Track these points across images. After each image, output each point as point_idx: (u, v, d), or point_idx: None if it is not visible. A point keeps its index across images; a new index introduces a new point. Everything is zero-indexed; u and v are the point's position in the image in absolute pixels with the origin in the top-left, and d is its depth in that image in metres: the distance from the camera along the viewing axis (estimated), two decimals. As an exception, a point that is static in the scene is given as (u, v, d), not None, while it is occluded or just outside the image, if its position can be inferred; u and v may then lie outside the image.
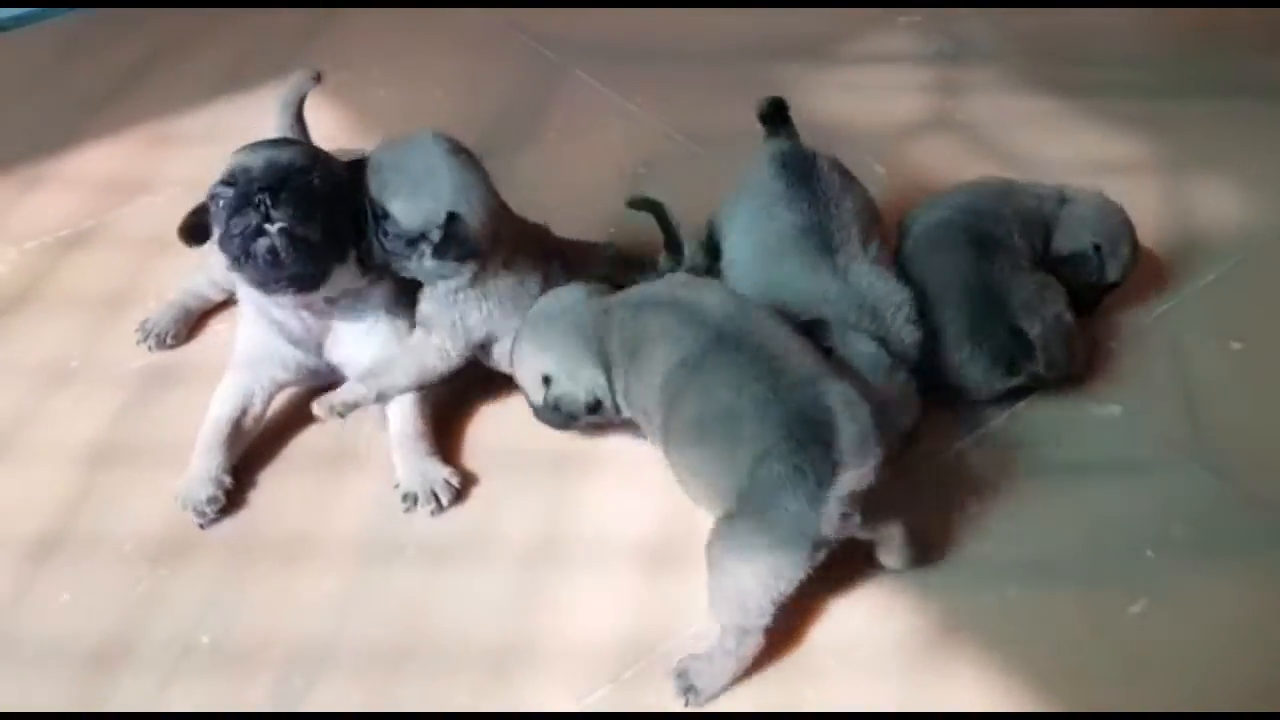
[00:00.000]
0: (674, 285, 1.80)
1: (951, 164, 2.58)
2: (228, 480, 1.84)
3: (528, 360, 1.82)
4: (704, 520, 1.78)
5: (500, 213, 1.87)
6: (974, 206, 2.08)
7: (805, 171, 2.00)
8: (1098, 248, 2.08)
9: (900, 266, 2.03)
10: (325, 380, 1.97)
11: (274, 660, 1.64)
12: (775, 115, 2.12)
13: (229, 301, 2.17)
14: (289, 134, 2.14)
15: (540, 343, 1.80)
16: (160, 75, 2.89)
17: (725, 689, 1.58)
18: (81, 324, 2.19)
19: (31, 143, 2.65)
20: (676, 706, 1.58)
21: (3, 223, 2.44)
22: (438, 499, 1.82)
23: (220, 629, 1.68)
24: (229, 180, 1.77)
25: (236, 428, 1.89)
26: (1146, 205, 2.44)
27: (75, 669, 1.63)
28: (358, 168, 1.85)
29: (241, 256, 1.76)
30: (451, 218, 1.79)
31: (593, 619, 1.69)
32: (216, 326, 2.17)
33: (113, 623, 1.69)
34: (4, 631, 1.68)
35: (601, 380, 1.77)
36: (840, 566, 1.74)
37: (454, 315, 1.87)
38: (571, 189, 2.12)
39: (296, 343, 1.91)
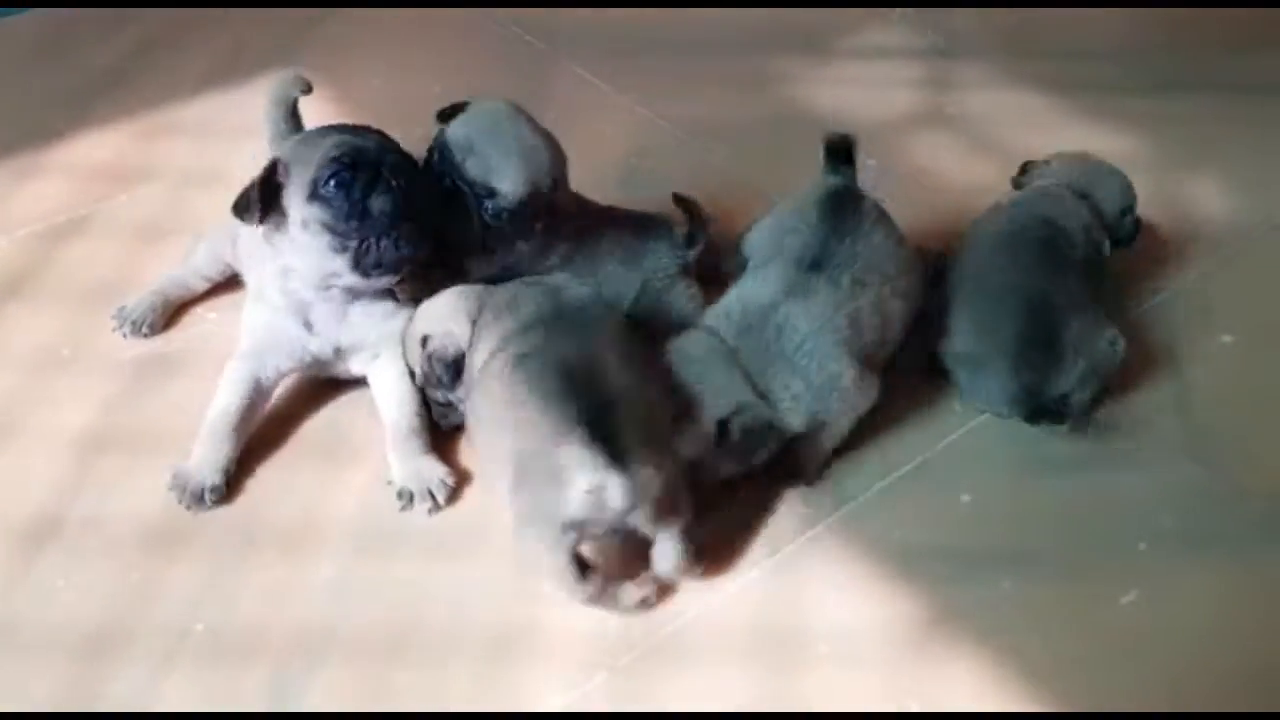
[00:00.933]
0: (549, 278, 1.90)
1: (943, 158, 2.60)
2: (232, 470, 1.84)
3: (414, 330, 1.89)
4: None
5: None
6: (1044, 216, 2.06)
7: (846, 209, 1.94)
8: (1125, 211, 2.17)
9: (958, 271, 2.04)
10: (327, 371, 1.97)
11: (271, 648, 1.63)
12: (841, 153, 2.06)
13: (212, 291, 2.18)
14: (281, 130, 2.13)
15: (426, 311, 1.89)
16: (155, 65, 2.87)
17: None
18: (74, 313, 2.17)
19: (24, 131, 2.63)
20: (676, 692, 1.59)
21: (-5, 211, 2.43)
22: (434, 497, 1.82)
23: (217, 616, 1.68)
24: (348, 160, 1.79)
25: (245, 416, 1.88)
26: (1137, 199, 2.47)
27: (70, 655, 1.63)
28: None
29: (383, 234, 1.79)
30: (554, 185, 1.91)
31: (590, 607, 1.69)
32: (208, 315, 2.17)
33: (108, 609, 1.68)
34: (-1, 618, 1.68)
35: (467, 339, 1.83)
36: (830, 555, 1.76)
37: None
38: (565, 179, 2.14)
39: (311, 327, 1.91)
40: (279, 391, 1.98)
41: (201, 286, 2.17)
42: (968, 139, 2.67)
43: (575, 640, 1.65)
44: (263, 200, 1.82)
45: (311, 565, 1.74)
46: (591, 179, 2.22)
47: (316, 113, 2.25)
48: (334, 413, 1.99)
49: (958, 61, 2.96)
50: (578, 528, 1.57)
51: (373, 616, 1.68)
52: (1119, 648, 1.64)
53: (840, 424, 1.85)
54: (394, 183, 1.79)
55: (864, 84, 2.87)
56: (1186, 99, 2.78)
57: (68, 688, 1.59)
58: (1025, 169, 2.28)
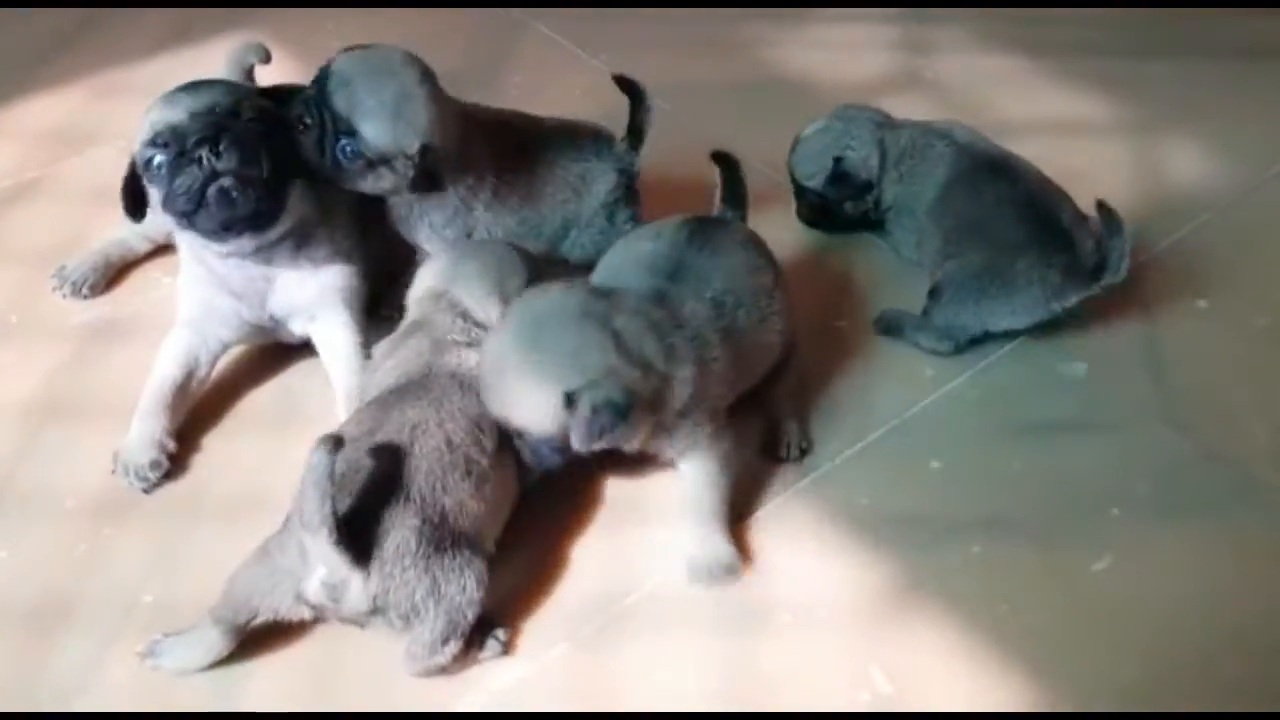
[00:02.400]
0: None
1: (919, 122, 2.54)
2: (171, 445, 1.78)
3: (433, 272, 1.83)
4: (660, 477, 1.75)
5: (469, 133, 1.87)
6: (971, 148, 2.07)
7: (706, 227, 1.77)
8: (838, 159, 2.13)
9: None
10: (269, 337, 1.92)
11: (219, 620, 1.59)
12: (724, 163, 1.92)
13: (166, 253, 2.12)
14: None
15: (452, 265, 1.80)
16: (107, 27, 2.81)
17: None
18: (21, 278, 2.11)
19: (-29, 94, 2.57)
20: (637, 663, 1.55)
21: (-58, 175, 2.36)
22: None
23: (164, 588, 1.63)
24: (158, 141, 1.71)
25: (181, 390, 1.82)
26: (1114, 164, 2.44)
27: (13, 627, 1.58)
28: (279, 94, 1.83)
29: (192, 210, 1.71)
30: (425, 150, 1.77)
31: (550, 577, 1.65)
32: (162, 279, 2.11)
33: (53, 581, 1.64)
34: (-61, 590, 1.62)
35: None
36: (798, 521, 1.72)
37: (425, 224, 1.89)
38: (532, 143, 2.09)
39: (239, 296, 1.85)
40: (233, 358, 1.93)
41: (144, 247, 2.12)
42: (945, 103, 2.61)
43: (536, 611, 1.61)
44: (132, 196, 1.77)
45: (262, 536, 1.68)
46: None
47: (278, 76, 2.19)
48: (288, 379, 1.95)
49: (936, 25, 2.91)
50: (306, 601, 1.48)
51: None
52: (1091, 614, 1.61)
53: (716, 473, 1.67)
54: (198, 155, 1.69)
55: (840, 47, 2.82)
56: (1166, 62, 2.74)
57: (12, 658, 1.54)
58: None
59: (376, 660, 1.54)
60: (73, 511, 1.73)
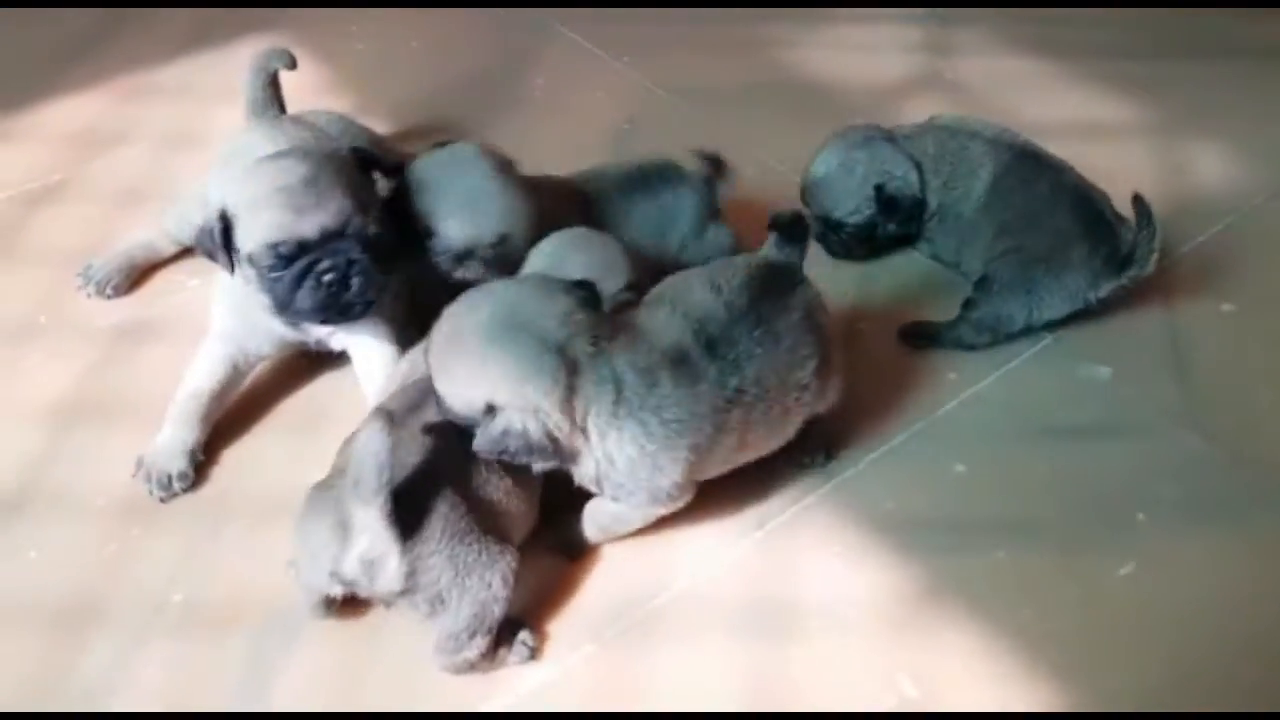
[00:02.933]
0: None
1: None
2: (200, 456, 1.78)
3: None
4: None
5: (540, 219, 1.88)
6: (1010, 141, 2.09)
7: (772, 289, 1.65)
8: (879, 187, 2.11)
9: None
10: (304, 349, 1.92)
11: (248, 620, 1.60)
12: (792, 233, 1.72)
13: (181, 255, 2.13)
14: (259, 98, 2.12)
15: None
16: (133, 28, 2.82)
17: None
18: (49, 279, 2.13)
19: (0, 95, 2.58)
20: (662, 666, 1.55)
21: (-31, 176, 2.37)
22: None
23: (194, 588, 1.64)
24: (281, 251, 1.70)
25: (217, 400, 1.83)
26: (1137, 167, 2.43)
27: (44, 626, 1.59)
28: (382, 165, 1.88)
29: (308, 313, 1.76)
30: (502, 239, 1.83)
31: (576, 578, 1.66)
32: (189, 282, 2.12)
33: (83, 580, 1.65)
34: (-30, 589, 1.64)
35: None
36: (821, 526, 1.73)
37: None
38: (556, 145, 2.09)
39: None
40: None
41: (169, 250, 2.13)
42: (967, 105, 2.61)
43: (562, 613, 1.62)
44: (226, 250, 1.74)
45: (291, 535, 1.70)
46: (582, 144, 2.19)
47: (301, 78, 2.20)
48: (317, 382, 1.95)
49: (957, 27, 2.91)
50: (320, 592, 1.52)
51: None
52: (1116, 619, 1.61)
53: (629, 515, 1.64)
54: (325, 281, 1.71)
55: (861, 49, 2.82)
56: (1187, 63, 2.73)
57: (42, 658, 1.55)
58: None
59: (405, 661, 1.55)
60: (102, 511, 1.74)
